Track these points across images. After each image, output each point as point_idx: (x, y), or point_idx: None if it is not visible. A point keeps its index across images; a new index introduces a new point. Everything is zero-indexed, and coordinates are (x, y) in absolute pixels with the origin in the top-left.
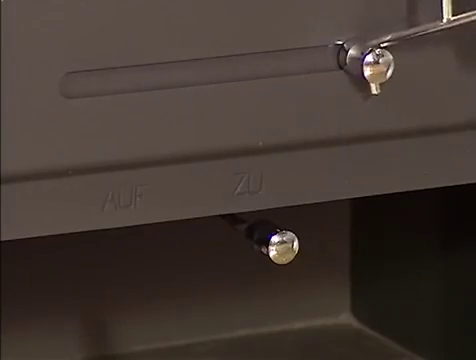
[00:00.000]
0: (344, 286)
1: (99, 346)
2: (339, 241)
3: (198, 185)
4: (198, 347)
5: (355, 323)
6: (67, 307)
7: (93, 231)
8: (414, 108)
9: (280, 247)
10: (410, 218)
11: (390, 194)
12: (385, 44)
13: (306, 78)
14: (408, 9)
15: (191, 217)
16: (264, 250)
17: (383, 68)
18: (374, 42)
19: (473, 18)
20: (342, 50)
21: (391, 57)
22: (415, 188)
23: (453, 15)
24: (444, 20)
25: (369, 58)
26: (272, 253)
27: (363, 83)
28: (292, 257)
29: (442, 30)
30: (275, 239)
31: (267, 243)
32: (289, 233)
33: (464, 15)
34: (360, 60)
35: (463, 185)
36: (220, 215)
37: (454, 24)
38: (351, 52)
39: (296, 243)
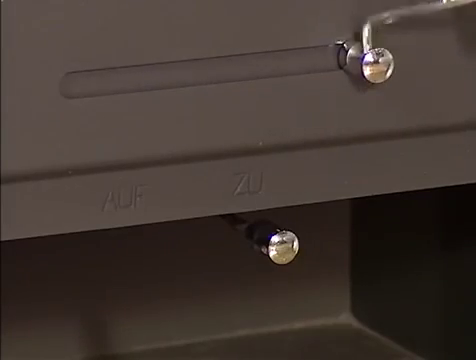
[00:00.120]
0: (344, 286)
1: (99, 346)
2: (339, 241)
3: (198, 185)
4: (198, 347)
5: (355, 323)
6: (67, 307)
7: (93, 231)
8: (414, 108)
9: (280, 247)
10: (410, 218)
11: (390, 194)
12: (384, 22)
13: (306, 78)
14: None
15: (191, 217)
16: (264, 250)
17: (383, 68)
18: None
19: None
20: (342, 50)
21: (391, 57)
22: (415, 188)
23: None
24: (444, 0)
25: (369, 58)
26: (272, 253)
27: (363, 83)
28: (292, 257)
29: (441, 11)
30: (275, 239)
31: (267, 243)
32: (289, 233)
33: None
34: (360, 60)
35: (463, 185)
36: (220, 215)
37: (452, 6)
38: (351, 52)
39: (296, 243)
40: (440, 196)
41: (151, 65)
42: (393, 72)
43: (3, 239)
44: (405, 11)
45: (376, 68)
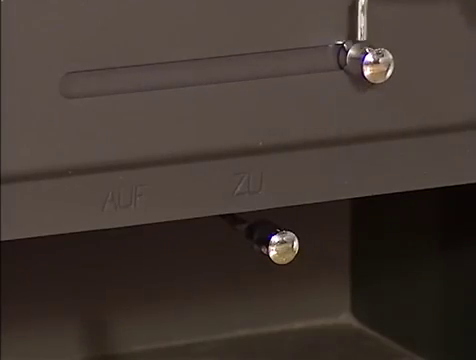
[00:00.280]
0: (344, 286)
1: (99, 346)
2: (339, 241)
3: (198, 185)
4: (198, 347)
5: (355, 323)
6: (67, 307)
7: (93, 231)
8: (414, 108)
9: (280, 247)
10: (410, 218)
11: (390, 194)
12: None
13: (306, 78)
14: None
15: (191, 217)
16: (264, 250)
17: (383, 68)
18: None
19: None
20: (342, 50)
21: (391, 57)
22: (415, 188)
23: None
24: None
25: (369, 58)
26: (272, 253)
27: (363, 83)
28: (292, 257)
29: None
30: (275, 239)
31: (267, 243)
32: (289, 233)
33: None
34: (360, 60)
35: (463, 185)
36: (220, 215)
37: None
38: (351, 52)
39: (296, 243)
40: (440, 196)
41: (151, 65)
42: (393, 72)
43: (3, 239)
44: None
45: (376, 68)
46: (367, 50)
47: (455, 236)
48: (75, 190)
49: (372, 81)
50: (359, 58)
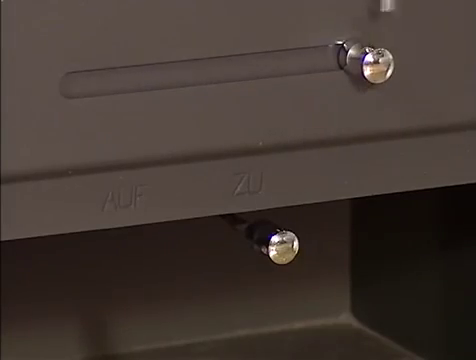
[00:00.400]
0: (344, 286)
1: (99, 346)
2: (339, 241)
3: (198, 185)
4: (198, 347)
5: (355, 323)
6: (67, 307)
7: (93, 231)
8: (414, 108)
9: (280, 247)
10: (410, 218)
11: (390, 194)
12: None
13: (306, 78)
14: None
15: (191, 217)
16: (264, 250)
17: (383, 68)
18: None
19: None
20: (342, 50)
21: (391, 57)
22: (415, 188)
23: None
24: None
25: (369, 58)
26: (272, 253)
27: (363, 83)
28: (292, 257)
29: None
30: (275, 239)
31: (267, 243)
32: (289, 233)
33: None
34: (360, 60)
35: (463, 185)
36: (220, 215)
37: None
38: (351, 52)
39: (296, 243)
40: (440, 196)
41: (151, 65)
42: (393, 72)
43: (3, 239)
44: None
45: (376, 68)
46: (367, 50)
47: (455, 236)
48: (75, 190)
49: (372, 81)
50: (359, 58)
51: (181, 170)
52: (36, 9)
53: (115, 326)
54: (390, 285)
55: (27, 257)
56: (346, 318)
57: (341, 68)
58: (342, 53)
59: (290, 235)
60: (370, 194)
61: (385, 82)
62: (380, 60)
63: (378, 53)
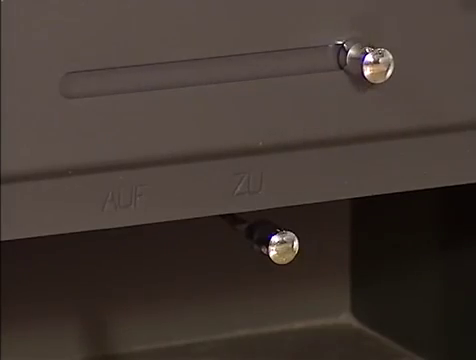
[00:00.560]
0: (344, 286)
1: (99, 346)
2: (339, 241)
3: (198, 185)
4: (198, 347)
5: (355, 323)
6: (67, 307)
7: (93, 231)
8: (414, 108)
9: (280, 247)
10: (410, 218)
11: (390, 194)
12: None
13: (306, 78)
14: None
15: (191, 217)
16: (264, 250)
17: (383, 68)
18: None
19: None
20: (342, 50)
21: (391, 57)
22: (415, 188)
23: None
24: None
25: (369, 58)
26: (272, 253)
27: (363, 83)
28: (292, 257)
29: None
30: (275, 239)
31: (267, 243)
32: (289, 233)
33: None
34: (360, 60)
35: (463, 185)
36: (220, 215)
37: None
38: (351, 52)
39: (296, 243)
40: (440, 196)
41: (151, 65)
42: (393, 72)
43: (3, 239)
44: None
45: (376, 68)
46: (367, 50)
47: (455, 236)
48: (75, 190)
49: (372, 81)
50: (359, 58)
51: (181, 170)
52: (36, 9)
53: (115, 326)
54: (390, 285)
55: (27, 257)
56: (346, 318)
57: (341, 68)
58: (342, 53)
59: (290, 235)
60: (370, 194)
61: (385, 82)
62: (380, 60)
63: (378, 53)
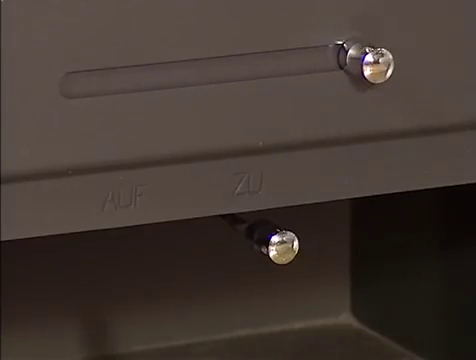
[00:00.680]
0: (344, 286)
1: (99, 346)
2: (339, 241)
3: (198, 185)
4: (198, 347)
5: (355, 323)
6: (67, 307)
7: (93, 231)
8: (414, 108)
9: (280, 247)
10: (410, 218)
11: (390, 194)
12: None
13: (306, 78)
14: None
15: (191, 217)
16: (264, 250)
17: (383, 68)
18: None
19: None
20: (342, 50)
21: (391, 57)
22: (415, 188)
23: None
24: None
25: (369, 58)
26: (272, 253)
27: (363, 83)
28: (292, 257)
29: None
30: (275, 239)
31: (267, 243)
32: (289, 233)
33: None
34: (360, 60)
35: (463, 185)
36: (220, 215)
37: None
38: (351, 52)
39: (296, 243)
40: (440, 196)
41: (151, 65)
42: (393, 72)
43: (3, 239)
44: None
45: (376, 68)
46: (367, 50)
47: (455, 236)
48: (75, 190)
49: (372, 81)
50: (359, 58)
51: (181, 170)
52: (36, 9)
53: (115, 326)
54: (390, 285)
55: (27, 257)
56: (346, 318)
57: (341, 68)
58: (342, 53)
59: (290, 235)
60: (370, 194)
61: (385, 82)
62: (380, 60)
63: (378, 53)
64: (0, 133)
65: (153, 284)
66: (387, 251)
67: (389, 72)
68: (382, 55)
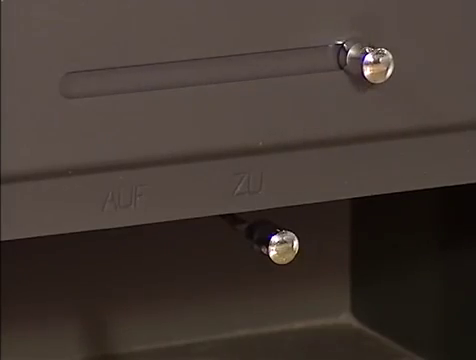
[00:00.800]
0: (344, 286)
1: (99, 346)
2: (339, 241)
3: (198, 185)
4: (198, 347)
5: (355, 323)
6: (67, 307)
7: (93, 231)
8: (414, 108)
9: (280, 247)
10: (410, 218)
11: (390, 194)
12: None
13: (306, 78)
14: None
15: (191, 217)
16: (264, 250)
17: (383, 68)
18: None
19: None
20: (342, 50)
21: (391, 57)
22: (415, 188)
23: None
24: None
25: (369, 58)
26: (272, 253)
27: (363, 83)
28: (292, 257)
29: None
30: (275, 239)
31: (267, 243)
32: (289, 233)
33: None
34: (360, 60)
35: (463, 185)
36: (220, 215)
37: None
38: (351, 52)
39: (296, 243)
40: (440, 196)
41: (151, 65)
42: (393, 72)
43: (3, 239)
44: None
45: (376, 68)
46: (367, 50)
47: (455, 236)
48: (75, 190)
49: (372, 81)
50: (359, 58)
51: (181, 170)
52: (36, 9)
53: (115, 326)
54: (390, 285)
55: (27, 257)
56: (346, 318)
57: (341, 68)
58: (342, 53)
59: (290, 235)
60: (370, 194)
61: (385, 82)
62: (380, 60)
63: (378, 53)
64: (0, 133)
65: (153, 284)
66: (387, 251)
67: (389, 72)
68: (382, 55)
